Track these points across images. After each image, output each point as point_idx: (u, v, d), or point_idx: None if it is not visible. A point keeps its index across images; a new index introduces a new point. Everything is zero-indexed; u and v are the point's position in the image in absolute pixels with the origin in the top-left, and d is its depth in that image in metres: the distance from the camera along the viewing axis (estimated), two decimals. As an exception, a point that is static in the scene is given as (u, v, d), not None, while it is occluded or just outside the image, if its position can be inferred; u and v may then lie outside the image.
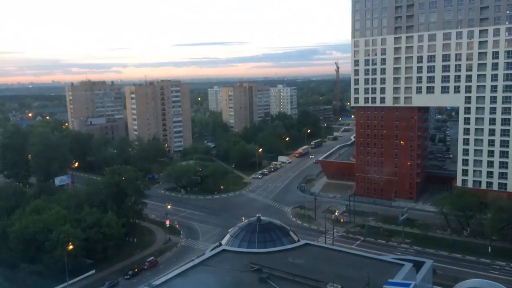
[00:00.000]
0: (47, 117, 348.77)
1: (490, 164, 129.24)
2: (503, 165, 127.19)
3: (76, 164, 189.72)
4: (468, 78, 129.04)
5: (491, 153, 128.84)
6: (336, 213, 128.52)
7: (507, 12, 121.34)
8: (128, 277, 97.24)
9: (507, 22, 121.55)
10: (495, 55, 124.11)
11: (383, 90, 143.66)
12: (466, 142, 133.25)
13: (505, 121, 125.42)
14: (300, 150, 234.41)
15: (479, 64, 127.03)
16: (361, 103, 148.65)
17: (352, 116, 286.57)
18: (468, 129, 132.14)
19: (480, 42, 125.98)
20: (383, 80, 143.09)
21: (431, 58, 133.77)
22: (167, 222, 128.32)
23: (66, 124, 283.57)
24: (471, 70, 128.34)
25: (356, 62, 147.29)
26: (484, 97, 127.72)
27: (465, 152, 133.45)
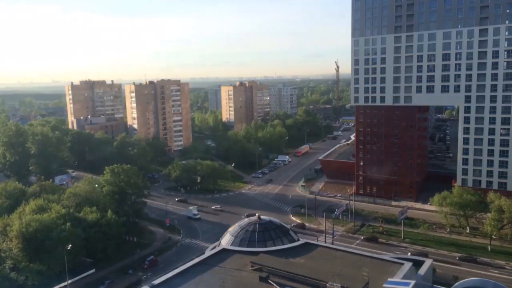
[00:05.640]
0: (47, 116, 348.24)
1: (490, 163, 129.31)
2: (503, 164, 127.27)
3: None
4: (468, 77, 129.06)
5: (491, 152, 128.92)
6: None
7: (507, 11, 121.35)
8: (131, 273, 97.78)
9: (507, 21, 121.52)
10: (495, 54, 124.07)
11: (383, 89, 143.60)
12: (466, 141, 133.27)
13: (505, 120, 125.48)
14: (301, 149, 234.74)
15: (479, 63, 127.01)
16: (361, 102, 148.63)
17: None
18: (468, 128, 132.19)
19: (480, 41, 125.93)
20: (383, 79, 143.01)
21: (431, 57, 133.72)
22: (167, 221, 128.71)
23: (66, 123, 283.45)
24: (471, 69, 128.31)
25: (356, 61, 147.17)
26: (484, 96, 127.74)
27: (465, 151, 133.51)
